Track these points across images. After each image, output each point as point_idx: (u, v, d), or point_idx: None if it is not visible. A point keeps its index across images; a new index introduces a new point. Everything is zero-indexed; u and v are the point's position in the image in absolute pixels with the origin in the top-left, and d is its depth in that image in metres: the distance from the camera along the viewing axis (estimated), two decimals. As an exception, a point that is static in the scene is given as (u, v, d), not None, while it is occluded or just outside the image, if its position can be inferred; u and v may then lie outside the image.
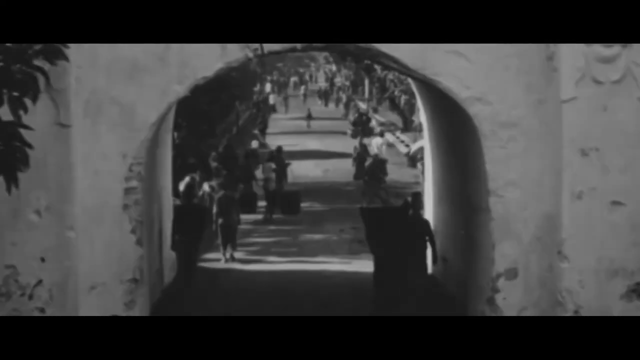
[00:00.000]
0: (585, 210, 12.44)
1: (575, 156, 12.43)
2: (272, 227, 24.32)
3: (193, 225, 16.78)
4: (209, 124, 28.04)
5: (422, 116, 19.66)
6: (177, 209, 17.15)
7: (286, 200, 25.65)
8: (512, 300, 12.64)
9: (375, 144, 33.16)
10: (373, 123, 49.80)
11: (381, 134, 35.49)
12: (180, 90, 12.59)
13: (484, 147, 12.72)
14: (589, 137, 12.40)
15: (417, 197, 16.71)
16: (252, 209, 24.90)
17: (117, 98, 12.46)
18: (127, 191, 12.57)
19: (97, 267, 12.48)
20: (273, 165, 27.10)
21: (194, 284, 16.96)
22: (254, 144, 33.07)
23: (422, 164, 26.92)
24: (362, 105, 57.46)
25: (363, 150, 30.90)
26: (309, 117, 51.01)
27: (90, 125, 12.41)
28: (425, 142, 19.50)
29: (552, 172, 12.55)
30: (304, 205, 26.78)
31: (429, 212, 18.14)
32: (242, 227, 21.72)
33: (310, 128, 49.12)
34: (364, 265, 18.63)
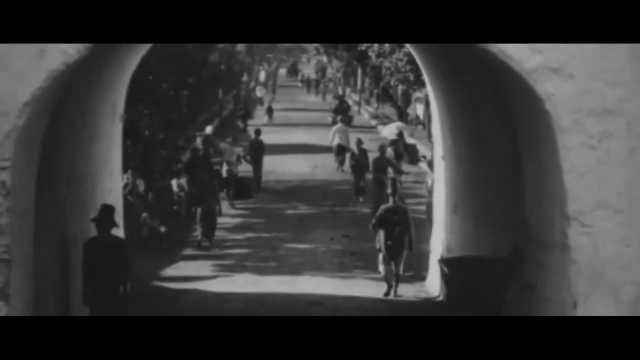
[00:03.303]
0: None
1: None
2: (249, 235, 21.43)
3: (108, 270, 10.88)
4: (180, 113, 23.25)
5: (431, 103, 17.20)
6: (86, 246, 11.25)
7: (239, 185, 24.75)
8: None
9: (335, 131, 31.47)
10: (365, 114, 47.47)
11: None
12: (70, 50, 8.55)
13: (560, 148, 8.94)
14: None
15: (393, 183, 16.27)
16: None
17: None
18: (-17, 212, 8.30)
19: None
20: (238, 149, 25.93)
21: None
22: (208, 129, 30.93)
23: (393, 149, 25.94)
24: (339, 89, 55.08)
25: (363, 155, 25.67)
26: (270, 110, 46.29)
27: None
28: (436, 135, 16.60)
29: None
30: (286, 207, 24.63)
31: (440, 221, 15.55)
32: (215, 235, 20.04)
33: (271, 122, 44.87)
34: (359, 286, 16.45)
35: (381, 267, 15.58)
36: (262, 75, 69.80)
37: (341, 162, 29.38)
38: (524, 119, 9.61)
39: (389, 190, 15.97)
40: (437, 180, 16.51)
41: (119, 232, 15.40)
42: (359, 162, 25.40)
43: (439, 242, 15.37)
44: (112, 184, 14.75)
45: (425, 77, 16.95)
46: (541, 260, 9.36)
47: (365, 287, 16.19)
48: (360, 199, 24.62)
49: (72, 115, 11.59)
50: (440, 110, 15.60)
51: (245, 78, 60.59)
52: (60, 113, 10.98)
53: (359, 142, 26.63)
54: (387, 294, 15.29)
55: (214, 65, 36.71)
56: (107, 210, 11.05)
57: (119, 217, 15.09)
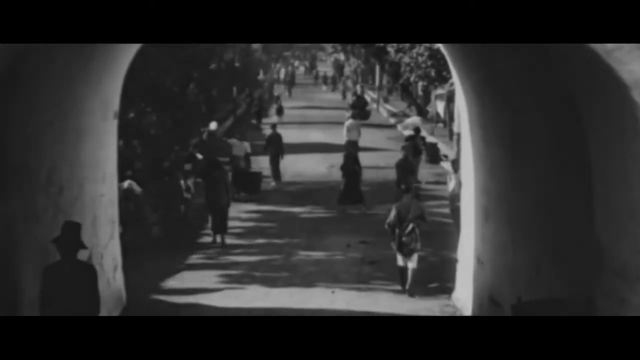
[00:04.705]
0: None
1: None
2: (260, 240, 20.11)
3: (72, 305, 8.52)
4: (187, 110, 21.44)
5: (458, 97, 15.92)
6: (46, 273, 8.85)
7: (248, 180, 24.74)
8: None
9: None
10: (384, 112, 46.25)
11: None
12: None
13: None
14: None
15: (408, 181, 17.03)
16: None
17: None
18: None
19: None
20: (246, 144, 25.88)
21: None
22: (212, 125, 29.97)
23: (410, 146, 24.26)
24: (357, 87, 53.44)
25: (353, 161, 23.91)
26: (279, 110, 44.63)
27: None
28: (463, 132, 15.14)
29: None
30: (301, 210, 23.45)
31: (470, 229, 13.86)
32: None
33: (281, 120, 42.63)
34: (378, 299, 15.24)
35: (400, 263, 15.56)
36: (282, 73, 69.34)
37: None
38: (596, 112, 7.28)
39: (403, 187, 16.26)
40: (465, 182, 14.80)
41: (115, 243, 13.87)
42: (347, 170, 22.97)
43: (467, 251, 13.75)
44: (104, 188, 13.22)
45: (453, 69, 15.33)
46: (622, 295, 7.04)
47: (385, 301, 14.94)
48: (362, 208, 22.43)
49: (52, 114, 10.00)
50: (469, 105, 13.84)
51: (261, 76, 59.83)
52: (36, 112, 9.46)
53: (354, 145, 25.11)
54: (403, 290, 15.45)
55: (229, 63, 35.36)
56: (71, 229, 8.57)
57: (114, 223, 13.97)
